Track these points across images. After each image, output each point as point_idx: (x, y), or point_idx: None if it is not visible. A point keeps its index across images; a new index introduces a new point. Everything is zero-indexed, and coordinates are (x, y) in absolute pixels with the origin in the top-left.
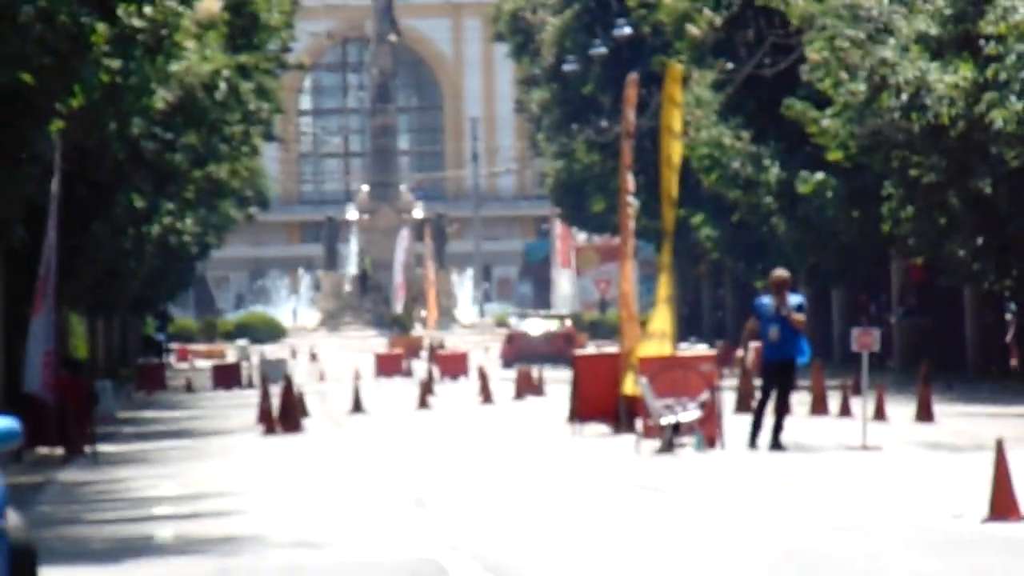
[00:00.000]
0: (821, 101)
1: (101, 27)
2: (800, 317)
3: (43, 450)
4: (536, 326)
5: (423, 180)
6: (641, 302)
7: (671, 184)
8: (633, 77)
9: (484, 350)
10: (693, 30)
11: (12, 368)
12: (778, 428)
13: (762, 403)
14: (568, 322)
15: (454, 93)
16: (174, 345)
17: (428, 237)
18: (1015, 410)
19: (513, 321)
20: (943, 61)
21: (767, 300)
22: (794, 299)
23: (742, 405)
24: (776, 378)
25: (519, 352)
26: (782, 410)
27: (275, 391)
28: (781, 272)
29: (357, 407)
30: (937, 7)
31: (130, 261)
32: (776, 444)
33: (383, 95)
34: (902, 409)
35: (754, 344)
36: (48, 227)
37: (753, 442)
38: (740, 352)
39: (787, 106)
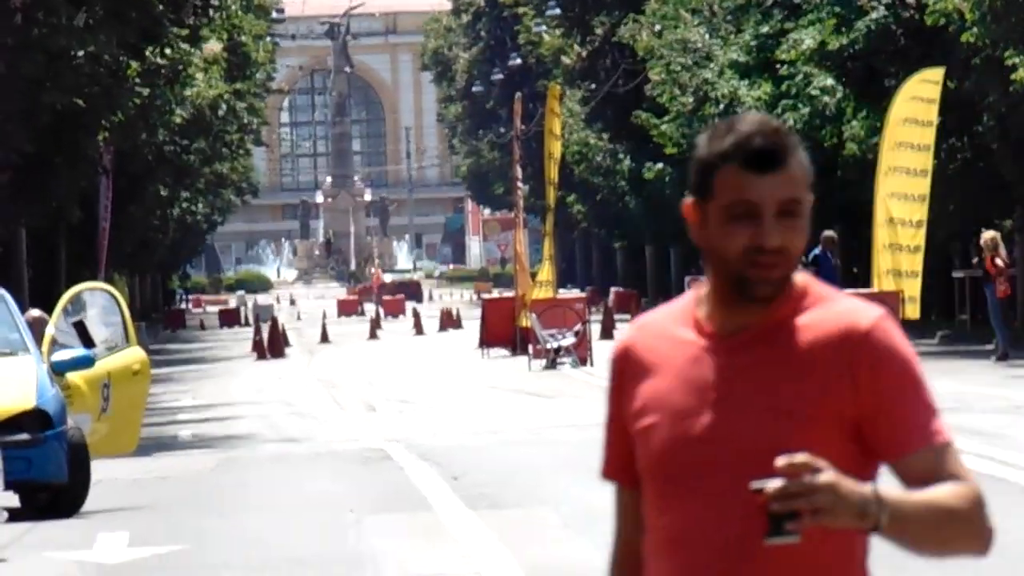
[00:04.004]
0: (660, 111)
1: (134, 64)
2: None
3: None
4: (388, 277)
5: (371, 173)
6: (531, 259)
7: (552, 172)
8: (518, 96)
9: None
10: (566, 60)
11: None
12: None
13: None
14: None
15: (392, 109)
16: (191, 296)
17: (375, 214)
18: None
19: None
20: (750, 80)
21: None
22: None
23: (605, 334)
24: None
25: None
26: None
27: (265, 328)
28: (833, 233)
29: (325, 339)
30: (745, 40)
31: (158, 234)
32: None
33: (341, 111)
34: None
35: None
36: (99, 209)
37: None
38: None
39: (635, 115)
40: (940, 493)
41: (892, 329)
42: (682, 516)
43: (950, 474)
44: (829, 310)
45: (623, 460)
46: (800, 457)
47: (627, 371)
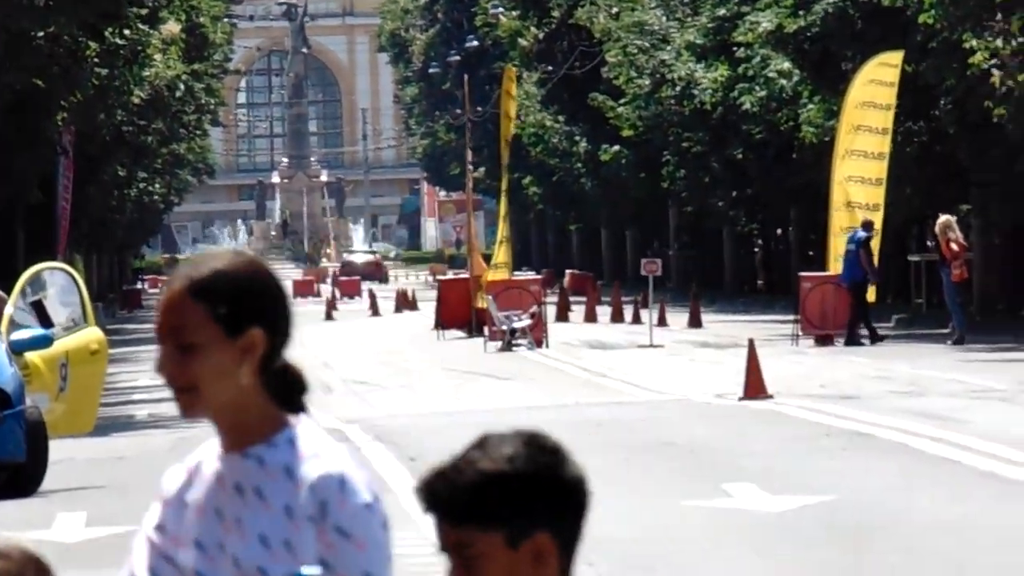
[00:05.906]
0: (617, 93)
1: (93, 45)
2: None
3: None
4: (360, 258)
5: (327, 154)
6: (487, 241)
7: (506, 155)
8: (466, 79)
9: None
10: (523, 42)
11: None
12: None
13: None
14: (377, 256)
15: (349, 90)
16: (147, 276)
17: (331, 195)
18: (761, 317)
19: (345, 255)
20: (707, 62)
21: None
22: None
23: (560, 316)
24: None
25: (350, 273)
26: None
27: None
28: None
29: None
30: (702, 23)
31: (115, 215)
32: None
33: (297, 92)
34: (678, 318)
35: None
36: (58, 189)
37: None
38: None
39: (592, 98)
40: None
41: None
42: None
43: None
44: None
45: None
46: None
47: None
